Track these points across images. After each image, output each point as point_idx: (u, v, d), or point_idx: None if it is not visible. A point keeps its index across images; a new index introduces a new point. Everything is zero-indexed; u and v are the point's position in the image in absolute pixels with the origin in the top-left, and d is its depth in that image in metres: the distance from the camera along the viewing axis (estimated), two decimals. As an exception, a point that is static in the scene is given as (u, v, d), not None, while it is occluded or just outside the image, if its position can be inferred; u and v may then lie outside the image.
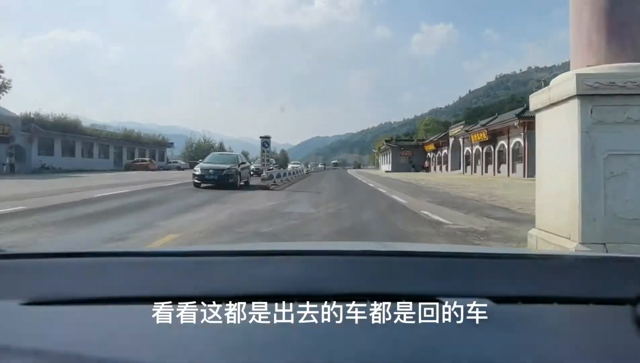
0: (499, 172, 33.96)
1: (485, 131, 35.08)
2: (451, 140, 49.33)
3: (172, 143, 68.19)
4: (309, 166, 66.30)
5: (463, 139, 42.98)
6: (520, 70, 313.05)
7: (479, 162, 38.99)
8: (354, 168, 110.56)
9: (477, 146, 38.67)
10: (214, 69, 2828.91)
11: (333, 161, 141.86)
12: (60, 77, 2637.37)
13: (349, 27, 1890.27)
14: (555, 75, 4.88)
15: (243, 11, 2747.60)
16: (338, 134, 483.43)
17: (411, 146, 65.07)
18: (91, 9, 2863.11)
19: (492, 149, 35.23)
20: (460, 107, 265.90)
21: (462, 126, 46.22)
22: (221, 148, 72.80)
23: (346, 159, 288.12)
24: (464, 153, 43.04)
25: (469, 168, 41.82)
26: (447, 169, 50.94)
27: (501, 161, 34.06)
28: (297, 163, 61.27)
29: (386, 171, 58.54)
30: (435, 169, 53.92)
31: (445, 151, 52.19)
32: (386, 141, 71.89)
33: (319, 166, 78.41)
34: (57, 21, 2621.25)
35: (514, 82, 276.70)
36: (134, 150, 54.43)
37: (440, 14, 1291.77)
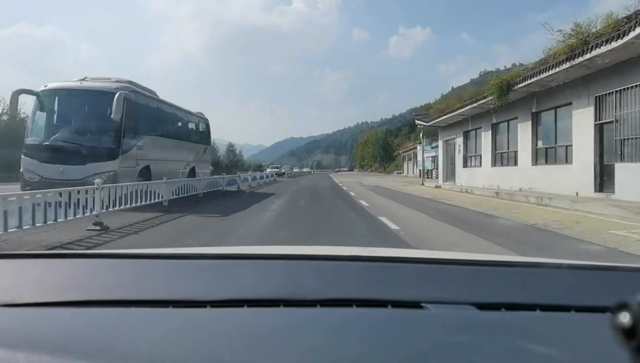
0: None
1: None
2: None
3: None
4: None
5: None
6: (505, 66, 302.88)
7: None
8: (348, 171, 72.74)
9: None
10: (187, 68, 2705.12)
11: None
12: (24, 75, 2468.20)
13: (326, 28, 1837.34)
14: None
15: (218, 9, 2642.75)
16: (313, 135, 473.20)
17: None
18: (60, 4, 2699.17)
19: None
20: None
21: None
22: None
23: (321, 161, 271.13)
24: None
25: None
26: None
27: None
28: None
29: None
30: None
31: None
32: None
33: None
34: (21, 15, 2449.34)
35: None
36: None
37: (418, 17, 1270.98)
